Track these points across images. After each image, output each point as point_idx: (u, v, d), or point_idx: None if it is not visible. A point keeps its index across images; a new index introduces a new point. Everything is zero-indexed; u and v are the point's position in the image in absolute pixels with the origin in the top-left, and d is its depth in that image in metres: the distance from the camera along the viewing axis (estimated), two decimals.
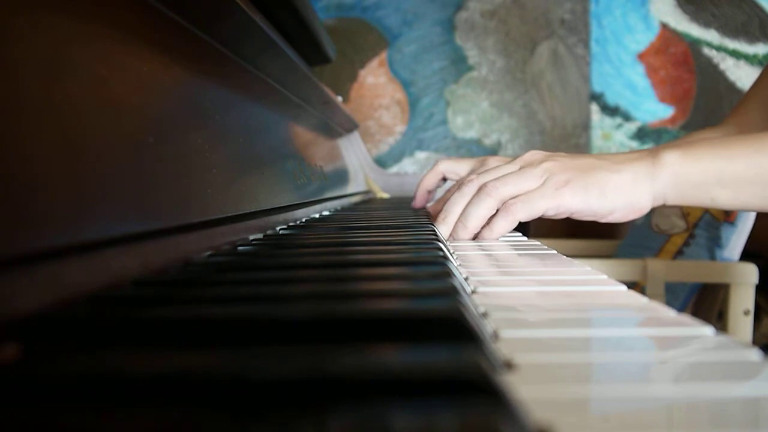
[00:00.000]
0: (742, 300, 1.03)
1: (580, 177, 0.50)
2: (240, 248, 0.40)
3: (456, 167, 0.72)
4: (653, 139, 1.83)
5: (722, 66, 1.81)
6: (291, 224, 0.56)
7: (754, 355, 0.19)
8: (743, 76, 1.80)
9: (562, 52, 1.85)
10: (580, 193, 0.49)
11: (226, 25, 0.46)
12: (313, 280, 0.29)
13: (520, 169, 0.53)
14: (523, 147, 1.85)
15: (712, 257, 1.19)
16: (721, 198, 0.49)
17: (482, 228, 0.52)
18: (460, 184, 0.55)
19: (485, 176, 0.53)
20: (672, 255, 1.25)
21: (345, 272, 0.31)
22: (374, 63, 1.86)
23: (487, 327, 0.22)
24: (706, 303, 1.20)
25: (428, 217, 0.66)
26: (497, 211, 0.52)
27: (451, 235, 0.53)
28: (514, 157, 0.56)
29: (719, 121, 0.87)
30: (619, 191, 0.49)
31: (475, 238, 0.53)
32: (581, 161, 0.51)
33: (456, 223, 0.53)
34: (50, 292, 0.21)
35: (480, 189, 0.52)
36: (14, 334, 0.18)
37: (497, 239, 0.52)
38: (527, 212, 0.50)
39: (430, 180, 0.75)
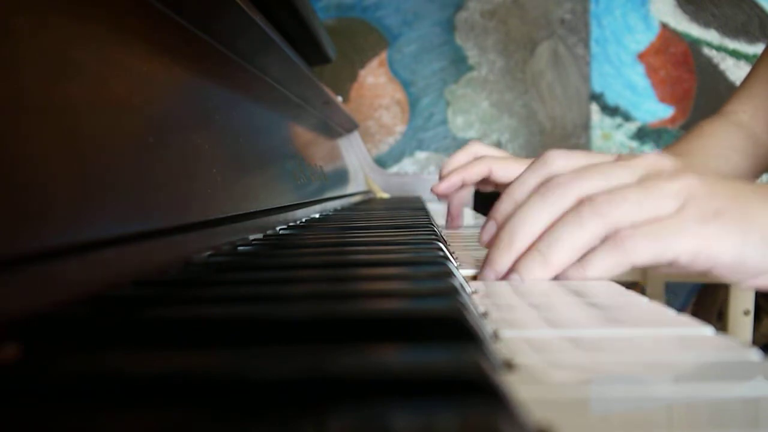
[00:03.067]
0: (742, 300, 1.03)
1: (735, 208, 0.32)
2: (240, 248, 0.40)
3: (508, 170, 0.58)
4: (653, 139, 1.83)
5: (722, 66, 1.81)
6: (291, 224, 0.56)
7: (754, 355, 0.19)
8: (743, 76, 1.80)
9: (562, 52, 1.84)
10: (735, 234, 0.32)
11: (226, 25, 0.45)
12: (313, 280, 0.29)
13: (642, 180, 0.34)
14: (523, 147, 1.85)
15: None
16: None
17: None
18: (541, 185, 0.36)
19: (587, 181, 0.34)
20: None
21: (345, 272, 0.31)
22: (374, 63, 1.86)
23: (487, 327, 0.22)
24: (706, 303, 1.20)
25: (428, 217, 0.66)
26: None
27: (514, 269, 0.34)
28: (618, 155, 0.38)
29: None
30: None
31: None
32: (732, 185, 0.34)
33: (529, 250, 0.34)
34: (50, 292, 0.21)
35: (581, 202, 0.34)
36: (14, 334, 0.18)
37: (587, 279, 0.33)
38: (653, 253, 0.32)
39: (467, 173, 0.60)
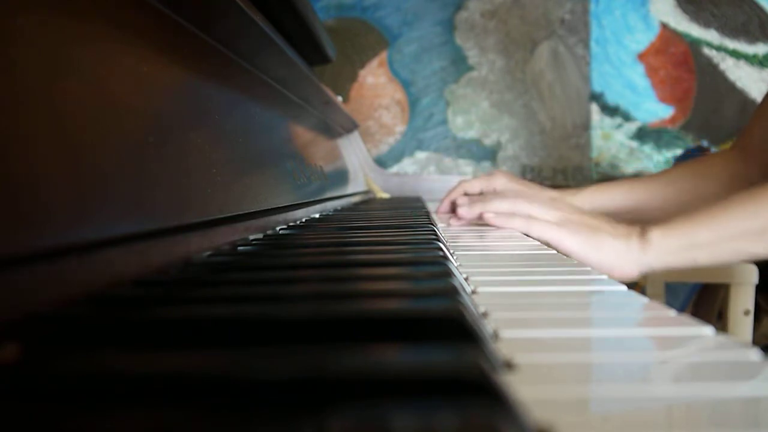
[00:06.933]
0: (742, 300, 1.03)
1: (586, 231, 0.62)
2: (240, 248, 0.40)
3: (473, 186, 0.88)
4: (653, 138, 1.83)
5: (722, 66, 1.81)
6: (291, 224, 0.56)
7: (754, 355, 0.19)
8: (743, 76, 1.80)
9: (562, 52, 1.84)
10: (581, 242, 0.61)
11: (226, 25, 0.45)
12: (313, 280, 0.29)
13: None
14: (523, 147, 1.85)
15: None
16: (701, 259, 0.60)
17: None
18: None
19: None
20: None
21: (345, 272, 0.31)
22: (374, 63, 1.86)
23: (487, 327, 0.22)
24: (706, 303, 1.20)
25: (428, 217, 0.67)
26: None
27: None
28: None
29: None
30: (612, 255, 0.61)
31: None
32: (586, 219, 0.64)
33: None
34: (50, 291, 0.21)
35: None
36: (14, 334, 0.18)
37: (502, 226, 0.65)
38: (537, 232, 0.62)
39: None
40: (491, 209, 0.67)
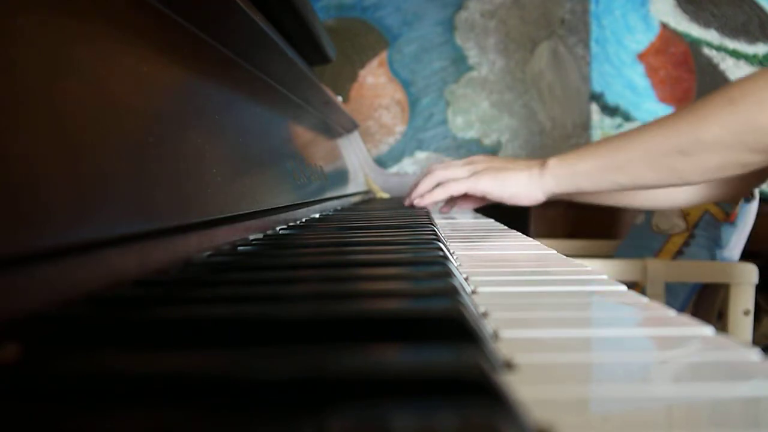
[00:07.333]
0: (742, 300, 1.03)
1: (493, 172, 0.76)
2: (240, 248, 0.40)
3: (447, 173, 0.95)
4: None
5: (722, 66, 1.81)
6: (291, 224, 0.56)
7: (754, 355, 0.19)
8: (743, 75, 1.80)
9: (562, 52, 1.84)
10: (491, 181, 0.76)
11: (227, 25, 0.45)
12: (313, 280, 0.29)
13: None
14: (523, 147, 1.85)
15: (712, 257, 1.19)
16: (584, 186, 0.72)
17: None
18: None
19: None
20: (672, 255, 1.25)
21: (345, 272, 0.31)
22: (374, 63, 1.86)
23: (487, 327, 0.22)
24: (706, 303, 1.20)
25: (428, 217, 0.67)
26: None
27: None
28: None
29: None
30: (518, 185, 0.75)
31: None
32: (498, 164, 0.78)
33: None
34: (50, 291, 0.21)
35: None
36: (14, 334, 0.18)
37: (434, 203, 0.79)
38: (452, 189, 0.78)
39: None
40: (418, 193, 0.81)
